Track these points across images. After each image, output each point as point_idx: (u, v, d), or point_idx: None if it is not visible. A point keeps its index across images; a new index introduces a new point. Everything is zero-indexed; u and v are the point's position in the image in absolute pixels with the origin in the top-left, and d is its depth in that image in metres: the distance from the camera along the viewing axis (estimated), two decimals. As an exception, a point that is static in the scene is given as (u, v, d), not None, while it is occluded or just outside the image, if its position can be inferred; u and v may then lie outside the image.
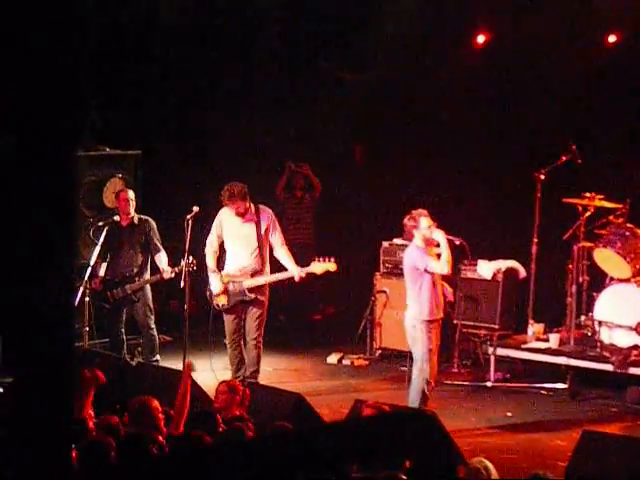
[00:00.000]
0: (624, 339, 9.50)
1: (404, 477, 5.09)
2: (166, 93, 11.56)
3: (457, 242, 8.97)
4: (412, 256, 8.53)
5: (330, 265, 9.15)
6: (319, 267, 9.15)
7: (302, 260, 9.37)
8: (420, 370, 8.49)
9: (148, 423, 6.30)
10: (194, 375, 7.75)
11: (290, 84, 11.94)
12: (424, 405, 8.46)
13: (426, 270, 8.41)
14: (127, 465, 5.09)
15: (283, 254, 9.27)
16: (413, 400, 8.51)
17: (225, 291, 9.24)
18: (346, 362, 10.77)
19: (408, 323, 8.61)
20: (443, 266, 8.42)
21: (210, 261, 9.33)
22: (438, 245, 8.56)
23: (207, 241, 9.38)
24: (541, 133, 11.11)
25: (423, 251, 8.49)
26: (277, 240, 9.28)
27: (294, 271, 9.15)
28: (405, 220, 8.57)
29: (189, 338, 9.18)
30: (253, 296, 9.20)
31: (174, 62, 11.51)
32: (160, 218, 10.07)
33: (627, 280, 9.71)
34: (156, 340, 9.86)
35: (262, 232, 9.22)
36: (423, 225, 8.48)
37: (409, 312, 8.60)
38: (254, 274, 9.22)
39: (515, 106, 11.33)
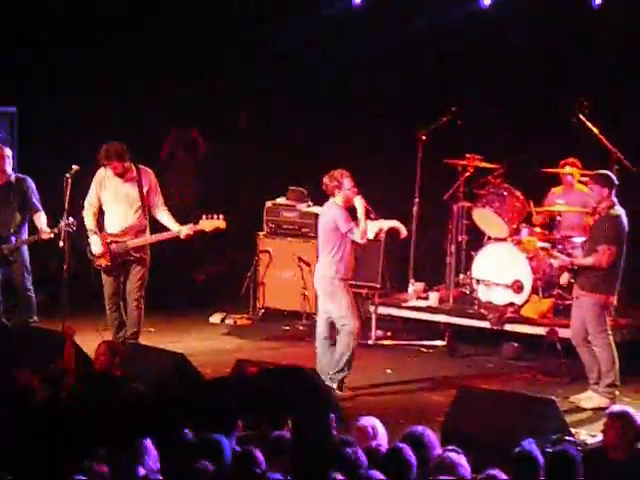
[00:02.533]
0: (501, 297, 9.73)
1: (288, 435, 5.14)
2: (42, 48, 11.29)
3: (372, 215, 8.95)
4: (333, 216, 8.47)
5: (219, 222, 9.05)
6: (208, 224, 9.05)
7: (184, 220, 9.27)
8: (344, 325, 8.47)
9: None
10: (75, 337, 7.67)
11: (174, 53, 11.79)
12: (352, 360, 8.46)
13: (346, 234, 8.42)
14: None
15: (164, 215, 9.17)
16: (342, 354, 8.47)
17: (106, 252, 9.10)
18: (229, 322, 10.78)
19: (322, 282, 8.58)
20: (361, 235, 8.43)
21: (89, 221, 9.16)
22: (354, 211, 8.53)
23: (85, 201, 9.19)
24: (423, 94, 11.22)
25: (345, 213, 8.46)
26: (158, 201, 9.17)
27: (181, 229, 9.04)
28: (325, 179, 8.48)
29: (69, 299, 9.04)
30: (138, 255, 9.08)
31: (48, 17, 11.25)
32: (38, 177, 9.85)
33: (504, 239, 9.94)
34: (33, 301, 9.68)
35: (144, 192, 9.10)
36: (347, 185, 8.44)
37: (322, 271, 8.57)
38: (137, 233, 9.10)
39: (398, 68, 11.43)
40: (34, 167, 10.11)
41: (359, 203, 8.46)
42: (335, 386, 8.45)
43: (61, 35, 11.39)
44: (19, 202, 9.56)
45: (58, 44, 11.41)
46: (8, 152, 9.62)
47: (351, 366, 8.51)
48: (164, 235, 9.16)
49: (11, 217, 9.53)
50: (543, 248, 9.69)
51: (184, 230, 9.03)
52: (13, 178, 9.60)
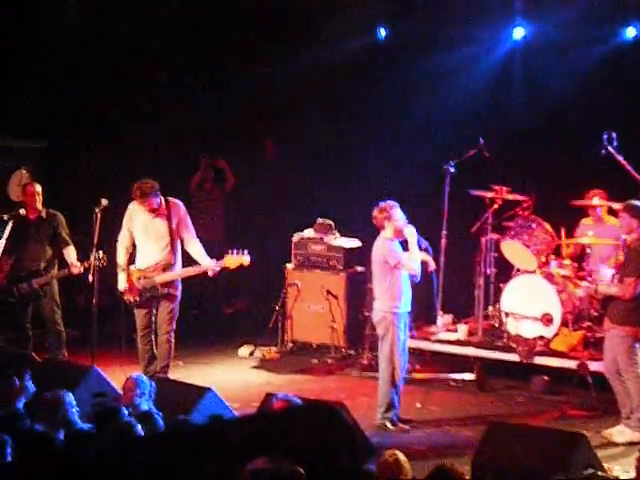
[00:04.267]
0: (530, 330, 9.67)
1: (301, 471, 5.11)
2: (71, 85, 11.41)
3: (423, 246, 8.95)
4: (382, 250, 8.49)
5: (244, 259, 9.08)
6: (232, 261, 9.08)
7: (212, 253, 9.31)
8: (388, 362, 8.49)
9: (59, 418, 6.24)
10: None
11: (197, 77, 11.87)
12: (397, 395, 8.47)
13: (396, 266, 8.42)
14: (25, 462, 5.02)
15: (195, 248, 9.19)
16: (385, 392, 8.51)
17: (132, 287, 9.14)
18: (257, 355, 10.77)
19: (377, 315, 8.60)
20: (411, 266, 8.44)
21: (120, 257, 9.22)
22: (406, 242, 8.54)
23: (119, 236, 9.27)
24: (450, 127, 11.23)
25: (392, 246, 8.47)
26: (188, 234, 9.20)
27: (208, 266, 9.07)
28: (375, 212, 8.50)
29: (97, 333, 9.09)
30: (165, 291, 9.11)
31: (78, 53, 11.36)
32: (68, 212, 9.93)
33: (533, 271, 9.89)
34: (63, 335, 9.72)
35: (174, 226, 9.13)
36: (398, 217, 8.46)
37: (378, 305, 8.59)
38: (166, 269, 9.13)
39: (425, 101, 11.45)
40: (64, 202, 10.19)
41: (410, 232, 8.46)
42: (386, 423, 8.45)
43: (89, 68, 11.49)
44: (50, 237, 9.63)
45: (87, 78, 11.51)
46: (38, 188, 9.71)
47: (394, 402, 8.50)
48: (191, 270, 9.17)
49: (42, 252, 9.60)
50: (565, 276, 9.62)
51: (210, 267, 9.04)
52: (44, 213, 9.68)
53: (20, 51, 10.83)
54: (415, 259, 8.48)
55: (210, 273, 9.12)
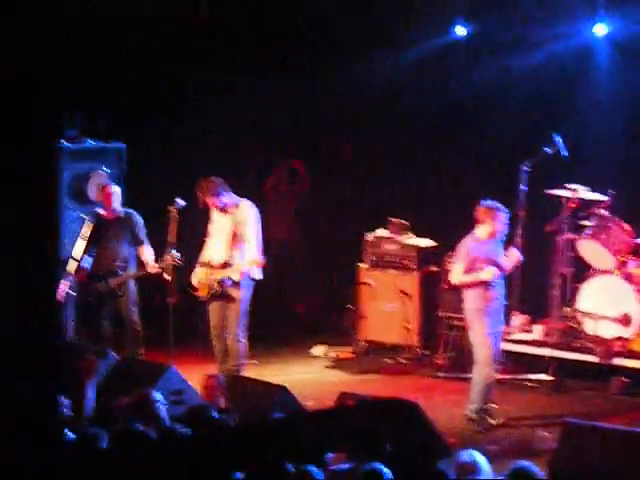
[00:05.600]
0: (608, 330, 9.54)
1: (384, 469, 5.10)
2: (149, 87, 11.53)
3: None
4: (466, 246, 8.54)
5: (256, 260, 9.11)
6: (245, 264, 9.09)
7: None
8: (477, 355, 8.56)
9: (148, 416, 6.31)
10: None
11: (275, 82, 11.92)
12: (489, 394, 8.51)
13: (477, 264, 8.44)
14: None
15: (247, 248, 9.21)
16: (475, 384, 8.55)
17: (205, 284, 9.24)
18: (331, 354, 10.78)
19: (466, 314, 8.67)
20: (455, 276, 8.55)
21: (202, 253, 9.34)
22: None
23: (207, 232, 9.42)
24: (525, 126, 11.12)
25: (470, 248, 8.47)
26: (247, 235, 9.19)
27: (239, 267, 9.10)
28: (482, 207, 8.48)
29: (174, 331, 9.19)
30: (222, 290, 9.17)
31: (157, 55, 11.47)
32: (146, 211, 10.04)
33: (610, 271, 9.75)
34: (140, 334, 9.84)
35: (238, 226, 9.19)
36: (503, 220, 8.46)
37: (465, 302, 8.64)
38: (225, 267, 9.21)
39: (499, 99, 11.36)
40: (142, 201, 10.31)
41: (486, 274, 8.42)
42: (475, 417, 8.47)
43: (166, 69, 11.60)
44: (127, 237, 9.74)
45: (163, 77, 11.62)
46: (116, 189, 9.84)
47: (486, 398, 8.49)
48: (234, 270, 9.16)
49: (119, 252, 9.72)
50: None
51: (245, 265, 9.05)
52: (122, 213, 9.81)
53: (94, 55, 10.97)
54: (462, 279, 8.47)
55: (236, 276, 9.09)
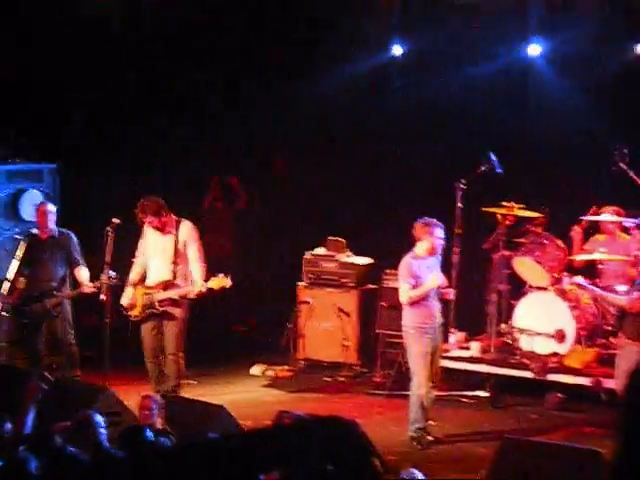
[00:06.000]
0: (543, 346, 9.64)
1: None
2: (80, 105, 11.46)
3: (450, 297, 8.97)
4: (401, 265, 8.58)
5: (225, 281, 9.06)
6: (215, 283, 9.06)
7: (221, 271, 9.30)
8: (413, 376, 8.61)
9: (89, 438, 6.24)
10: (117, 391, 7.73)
11: (213, 99, 11.92)
12: (422, 413, 8.52)
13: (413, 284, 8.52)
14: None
15: (195, 269, 9.20)
16: (411, 405, 8.57)
17: (134, 303, 9.18)
18: (270, 373, 10.75)
19: (404, 333, 8.70)
20: (404, 296, 8.55)
21: (131, 273, 9.28)
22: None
23: (136, 253, 9.33)
24: (460, 144, 11.23)
25: (409, 266, 8.50)
26: (192, 255, 9.19)
27: (194, 288, 9.05)
28: (418, 224, 8.54)
29: (110, 352, 9.10)
30: (162, 309, 9.13)
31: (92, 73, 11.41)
32: (81, 231, 9.95)
33: (545, 288, 9.87)
34: (77, 355, 9.73)
35: (180, 246, 9.17)
36: (439, 236, 8.48)
37: (404, 320, 8.67)
38: (167, 287, 9.17)
39: (434, 117, 11.46)
40: (77, 221, 10.21)
41: (432, 281, 8.48)
42: (414, 435, 8.52)
43: (98, 85, 11.53)
44: (62, 257, 9.64)
45: (96, 97, 11.55)
46: (51, 208, 9.74)
47: (423, 416, 8.53)
48: (180, 291, 9.15)
49: (54, 272, 9.61)
50: (573, 283, 9.59)
51: (197, 288, 9.02)
52: (56, 233, 9.70)
53: (26, 74, 10.89)
54: (411, 295, 8.49)
55: (192, 295, 9.07)
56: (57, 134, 11.16)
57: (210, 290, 9.08)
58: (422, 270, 8.54)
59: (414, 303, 8.50)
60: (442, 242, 8.58)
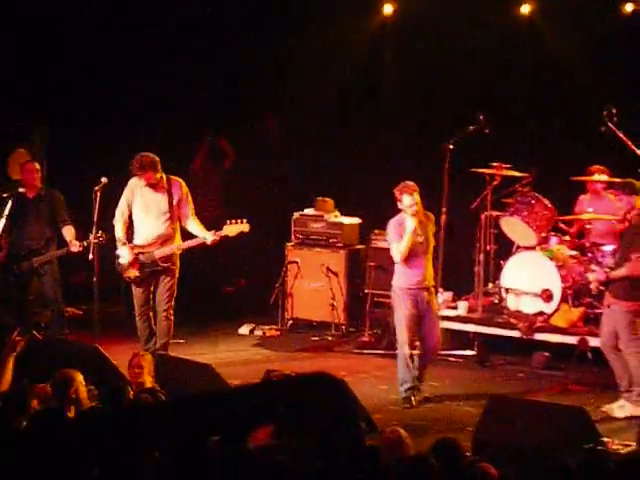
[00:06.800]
0: (530, 306, 9.68)
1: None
2: (69, 63, 11.36)
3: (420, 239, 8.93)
4: (389, 226, 8.61)
5: (243, 226, 9.04)
6: (232, 229, 9.04)
7: (208, 229, 9.26)
8: (398, 336, 8.63)
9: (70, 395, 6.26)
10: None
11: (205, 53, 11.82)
12: (408, 373, 8.55)
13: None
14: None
15: (193, 224, 9.17)
16: (398, 370, 8.63)
17: (135, 263, 9.12)
18: (258, 333, 10.79)
19: (392, 293, 8.75)
20: (396, 254, 8.54)
21: (119, 231, 9.17)
22: None
23: (117, 210, 9.20)
24: (450, 103, 11.21)
25: (394, 226, 8.54)
26: (188, 211, 9.18)
27: (206, 236, 9.04)
28: (395, 189, 8.54)
29: (98, 312, 9.10)
30: (166, 265, 9.10)
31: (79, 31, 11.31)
32: (67, 190, 9.92)
33: (533, 248, 9.89)
34: (64, 313, 9.73)
35: (174, 202, 9.12)
36: (405, 202, 8.47)
37: (393, 281, 8.71)
38: (165, 243, 9.12)
39: (425, 76, 11.42)
40: (63, 180, 10.19)
41: (410, 223, 8.47)
42: (402, 393, 8.59)
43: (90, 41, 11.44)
44: (48, 215, 9.62)
45: (87, 52, 11.46)
46: (37, 166, 9.70)
47: (409, 375, 8.57)
48: (191, 243, 9.15)
49: (41, 230, 9.60)
50: (573, 256, 9.65)
51: (209, 237, 9.02)
52: (43, 192, 9.67)
53: (21, 29, 10.79)
54: (400, 249, 8.50)
55: (209, 242, 9.05)
56: (43, 94, 11.08)
57: (224, 237, 9.03)
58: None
59: (404, 263, 8.50)
60: (411, 209, 8.51)
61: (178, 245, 9.12)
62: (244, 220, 9.05)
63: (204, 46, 11.77)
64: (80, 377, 6.39)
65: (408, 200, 8.47)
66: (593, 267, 9.10)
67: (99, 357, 7.81)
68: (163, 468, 4.75)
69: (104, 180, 9.06)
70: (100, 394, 6.55)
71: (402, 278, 8.60)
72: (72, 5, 11.22)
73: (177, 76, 11.80)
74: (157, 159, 9.04)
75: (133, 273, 9.11)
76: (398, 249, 8.54)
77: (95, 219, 9.03)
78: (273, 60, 11.81)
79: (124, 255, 9.12)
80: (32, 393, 6.15)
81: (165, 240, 9.11)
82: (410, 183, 8.53)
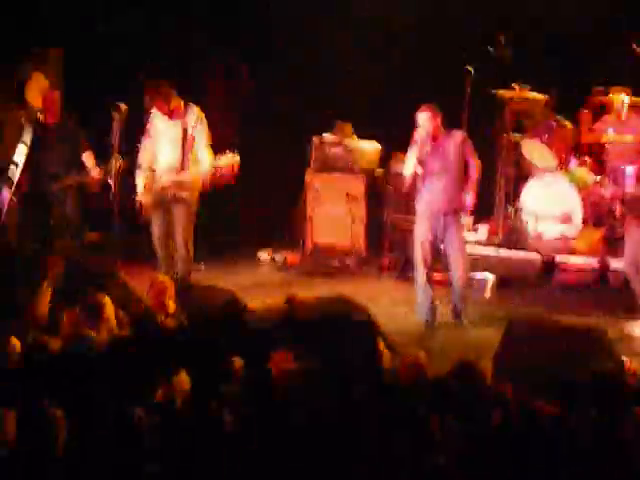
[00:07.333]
0: (551, 229, 9.67)
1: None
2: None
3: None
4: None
5: (233, 158, 8.94)
6: (223, 161, 8.94)
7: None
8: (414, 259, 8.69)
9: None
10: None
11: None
12: (424, 294, 8.62)
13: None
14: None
15: (204, 152, 9.12)
16: (416, 292, 8.72)
17: (150, 189, 9.14)
18: (278, 258, 10.82)
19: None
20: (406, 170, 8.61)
21: (140, 157, 9.18)
22: None
23: (142, 136, 9.23)
24: (468, 25, 11.06)
25: (411, 147, 8.54)
26: (201, 139, 9.12)
27: (205, 167, 9.00)
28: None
29: (119, 238, 9.13)
30: (180, 194, 9.09)
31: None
32: (87, 116, 9.89)
33: (553, 170, 9.84)
34: (84, 239, 9.77)
35: (189, 131, 9.08)
36: (418, 121, 8.46)
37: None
38: (178, 172, 9.11)
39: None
40: (83, 107, 10.15)
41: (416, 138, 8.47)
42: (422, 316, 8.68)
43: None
44: (68, 142, 9.62)
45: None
46: (57, 93, 9.67)
47: (425, 299, 8.67)
48: (192, 172, 9.07)
49: (61, 156, 9.61)
50: (593, 179, 9.61)
51: (206, 168, 8.96)
52: (63, 119, 9.65)
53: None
54: (406, 164, 8.56)
55: (204, 175, 8.98)
56: (60, 21, 10.98)
57: (219, 168, 8.99)
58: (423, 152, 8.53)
59: (422, 184, 8.48)
60: (423, 127, 8.47)
61: (190, 174, 9.06)
62: (235, 151, 8.98)
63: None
64: (110, 301, 6.46)
65: (420, 119, 8.42)
66: (607, 182, 9.00)
67: (120, 283, 7.86)
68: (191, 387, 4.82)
69: (123, 105, 9.02)
70: (130, 321, 6.60)
71: (419, 200, 8.59)
72: None
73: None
74: (169, 87, 8.98)
75: (146, 199, 9.13)
76: (406, 165, 8.55)
77: (114, 145, 9.00)
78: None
79: (139, 181, 9.16)
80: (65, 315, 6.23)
81: (178, 169, 9.09)
82: (427, 104, 8.46)
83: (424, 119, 8.42)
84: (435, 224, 8.54)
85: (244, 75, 12.20)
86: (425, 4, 11.36)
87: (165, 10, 11.54)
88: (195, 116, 9.13)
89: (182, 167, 9.10)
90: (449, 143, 8.58)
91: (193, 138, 9.08)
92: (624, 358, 7.07)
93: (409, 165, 8.51)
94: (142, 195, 9.14)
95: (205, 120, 9.20)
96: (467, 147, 8.58)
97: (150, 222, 9.26)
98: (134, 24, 11.54)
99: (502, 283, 9.75)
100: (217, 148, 9.22)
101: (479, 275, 9.90)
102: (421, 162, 8.52)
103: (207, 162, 9.02)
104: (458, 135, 8.64)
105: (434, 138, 8.48)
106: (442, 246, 8.71)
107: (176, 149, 9.10)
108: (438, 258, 8.83)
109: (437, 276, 9.02)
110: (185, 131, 9.06)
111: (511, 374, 6.02)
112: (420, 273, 8.60)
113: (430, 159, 8.50)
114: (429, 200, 8.54)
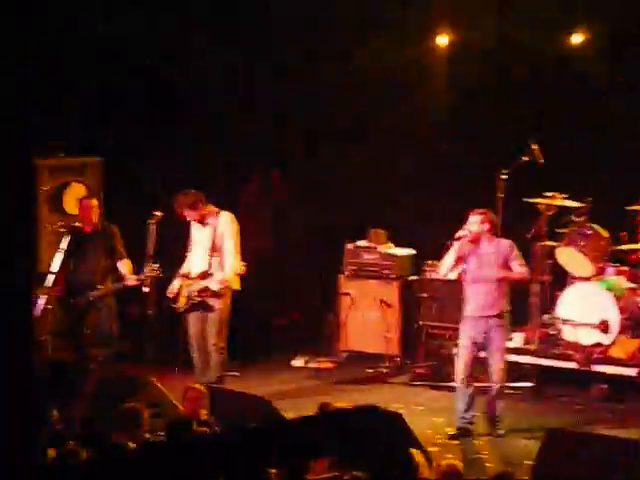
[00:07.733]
0: (587, 337, 9.57)
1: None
2: (121, 100, 11.45)
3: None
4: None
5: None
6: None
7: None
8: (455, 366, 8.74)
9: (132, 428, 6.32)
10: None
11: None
12: (463, 403, 8.56)
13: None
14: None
15: (228, 261, 9.28)
16: (455, 401, 8.67)
17: (179, 294, 9.36)
18: (312, 365, 10.76)
19: None
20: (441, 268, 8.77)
21: (183, 266, 9.46)
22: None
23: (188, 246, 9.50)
24: (502, 133, 11.14)
25: (453, 250, 8.67)
26: (227, 246, 9.26)
27: (226, 276, 9.19)
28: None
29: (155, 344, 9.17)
30: (200, 299, 9.23)
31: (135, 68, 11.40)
32: (124, 224, 10.00)
33: (589, 278, 9.78)
34: (120, 348, 9.78)
35: (218, 237, 9.25)
36: (468, 222, 8.63)
37: None
38: (204, 278, 9.26)
39: (474, 107, 11.37)
40: (120, 214, 10.27)
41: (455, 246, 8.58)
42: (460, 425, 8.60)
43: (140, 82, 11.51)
44: (105, 250, 9.71)
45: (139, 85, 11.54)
46: (94, 201, 9.82)
47: (462, 408, 8.60)
48: (215, 281, 9.22)
49: (97, 265, 9.69)
50: (631, 287, 9.54)
51: (226, 278, 9.16)
52: (99, 226, 9.78)
53: (68, 68, 10.88)
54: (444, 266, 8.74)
55: (215, 287, 9.20)
56: (96, 129, 11.18)
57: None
58: (468, 256, 8.59)
59: (467, 289, 8.53)
60: (465, 230, 8.57)
61: (219, 280, 9.20)
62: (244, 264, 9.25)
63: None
64: (146, 410, 6.45)
65: (469, 221, 8.60)
66: None
67: (154, 390, 7.85)
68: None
69: (158, 213, 9.15)
70: (165, 427, 6.57)
71: (465, 306, 8.59)
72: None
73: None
74: (197, 196, 9.21)
75: (178, 304, 9.28)
76: (444, 266, 8.68)
77: (149, 252, 9.11)
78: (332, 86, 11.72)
79: (171, 286, 9.38)
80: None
81: (204, 275, 9.27)
82: (483, 209, 8.69)
83: (473, 221, 8.54)
84: (478, 329, 8.54)
85: (277, 180, 12.30)
86: (457, 107, 11.46)
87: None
88: (224, 223, 9.28)
89: (209, 273, 9.24)
90: (495, 251, 8.62)
91: (220, 244, 9.23)
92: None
93: (446, 263, 8.58)
94: (174, 300, 9.28)
95: (235, 227, 9.31)
96: (514, 256, 8.66)
97: (187, 325, 9.37)
98: (173, 135, 11.71)
99: (538, 392, 9.63)
100: (251, 257, 9.34)
101: (515, 384, 9.80)
102: (462, 261, 8.56)
103: (230, 269, 9.15)
104: (505, 244, 8.71)
105: (475, 241, 8.54)
106: (483, 354, 8.67)
107: (205, 255, 9.28)
108: (477, 366, 8.77)
109: (475, 384, 8.92)
110: (214, 238, 9.22)
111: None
112: (459, 380, 8.53)
113: (475, 265, 8.54)
114: (472, 304, 8.55)
